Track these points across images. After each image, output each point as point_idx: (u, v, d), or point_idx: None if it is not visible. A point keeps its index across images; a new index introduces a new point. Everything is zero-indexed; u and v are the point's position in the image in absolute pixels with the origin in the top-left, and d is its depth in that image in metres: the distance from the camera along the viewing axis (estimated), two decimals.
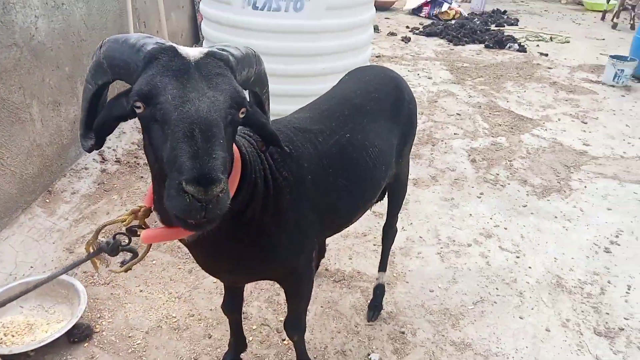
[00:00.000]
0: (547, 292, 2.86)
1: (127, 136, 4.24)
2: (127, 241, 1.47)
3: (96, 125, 1.26)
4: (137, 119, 1.19)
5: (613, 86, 6.28)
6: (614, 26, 9.54)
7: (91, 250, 1.48)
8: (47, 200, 3.29)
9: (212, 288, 2.74)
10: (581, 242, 3.31)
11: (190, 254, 1.64)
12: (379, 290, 2.59)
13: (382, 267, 2.59)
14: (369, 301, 2.68)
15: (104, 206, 3.36)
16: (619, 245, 3.30)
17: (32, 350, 2.22)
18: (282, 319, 2.53)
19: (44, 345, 2.22)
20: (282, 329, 2.47)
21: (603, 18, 10.14)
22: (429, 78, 6.33)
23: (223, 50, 1.18)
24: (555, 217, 3.58)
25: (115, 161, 3.87)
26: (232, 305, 2.06)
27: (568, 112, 5.47)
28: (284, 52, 3.61)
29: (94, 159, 3.81)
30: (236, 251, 1.53)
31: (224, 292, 2.08)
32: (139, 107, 1.11)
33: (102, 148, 3.94)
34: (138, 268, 2.84)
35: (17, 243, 2.90)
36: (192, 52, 1.14)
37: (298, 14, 3.55)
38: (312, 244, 1.76)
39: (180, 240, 1.54)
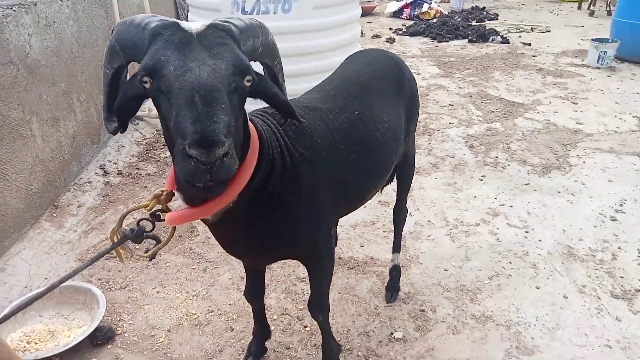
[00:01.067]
0: (560, 261, 2.89)
1: (126, 149, 4.25)
2: (151, 227, 1.49)
3: (116, 108, 1.28)
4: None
5: (598, 68, 6.42)
6: (591, 14, 9.77)
7: (115, 239, 1.49)
8: (54, 215, 3.28)
9: (229, 284, 2.74)
10: (587, 213, 3.35)
11: (213, 238, 1.66)
12: (395, 272, 2.60)
13: (396, 248, 2.60)
14: (385, 284, 2.69)
15: (111, 216, 3.35)
16: (624, 213, 3.35)
17: (56, 355, 2.20)
18: (302, 307, 2.55)
19: (68, 350, 2.21)
20: (303, 317, 2.48)
21: (579, 7, 10.39)
22: (418, 74, 6.42)
23: (225, 21, 1.21)
24: (559, 192, 3.63)
25: (118, 173, 3.87)
26: (255, 292, 2.07)
27: (558, 94, 5.56)
28: None
29: (96, 173, 3.81)
30: (258, 229, 1.54)
31: (246, 279, 2.08)
32: (146, 82, 1.13)
33: (104, 162, 3.96)
34: (152, 271, 2.84)
35: (29, 257, 2.89)
36: (195, 25, 1.17)
37: (286, 15, 3.62)
38: (330, 220, 1.78)
39: (204, 221, 1.56)
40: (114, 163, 4.01)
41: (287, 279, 2.76)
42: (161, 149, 4.29)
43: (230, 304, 2.59)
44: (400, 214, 2.59)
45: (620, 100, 5.36)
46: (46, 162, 3.25)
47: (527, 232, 3.18)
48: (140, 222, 1.49)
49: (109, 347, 2.32)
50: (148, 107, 4.61)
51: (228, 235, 1.61)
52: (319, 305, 1.96)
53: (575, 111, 5.10)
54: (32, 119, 3.09)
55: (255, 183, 1.39)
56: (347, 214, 2.07)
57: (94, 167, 3.88)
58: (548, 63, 6.73)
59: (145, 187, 3.72)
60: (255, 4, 3.45)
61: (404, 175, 2.43)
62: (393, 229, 2.65)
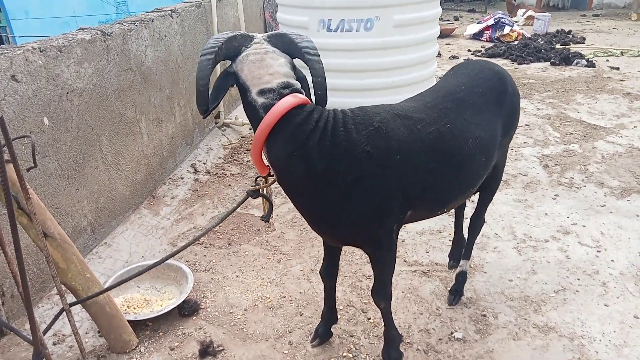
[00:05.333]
0: (633, 282, 2.83)
1: (214, 152, 4.69)
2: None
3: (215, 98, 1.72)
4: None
5: None
6: None
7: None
8: (152, 204, 3.72)
9: (300, 275, 2.97)
10: None
11: (287, 233, 1.90)
12: (461, 277, 2.70)
13: (466, 255, 2.70)
14: (448, 288, 2.79)
15: (199, 209, 3.74)
16: None
17: (150, 320, 2.54)
18: (366, 301, 2.72)
19: (160, 316, 2.54)
20: (367, 310, 2.65)
21: None
22: None
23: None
24: (637, 215, 3.52)
25: (206, 172, 4.28)
26: (329, 271, 2.28)
27: None
28: (357, 68, 3.93)
29: (188, 170, 4.25)
30: (322, 202, 1.80)
31: (323, 258, 2.30)
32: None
33: (195, 162, 4.40)
34: (233, 258, 3.15)
35: (130, 237, 3.31)
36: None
37: (368, 33, 3.87)
38: (395, 218, 1.92)
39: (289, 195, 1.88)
40: (203, 163, 4.44)
41: (353, 275, 2.95)
42: (244, 153, 4.68)
43: (300, 292, 2.82)
44: (477, 222, 2.67)
45: None
46: (149, 157, 3.72)
47: (599, 251, 3.13)
48: (257, 180, 1.95)
49: (194, 318, 2.62)
50: (235, 116, 5.05)
51: (302, 205, 1.89)
52: (381, 292, 2.12)
53: None
54: (141, 119, 3.56)
55: (281, 158, 1.72)
56: (428, 218, 2.20)
57: (186, 165, 4.34)
58: (637, 88, 6.44)
59: (229, 185, 4.09)
60: (340, 22, 3.74)
61: (489, 185, 2.47)
62: (467, 237, 2.74)
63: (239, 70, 1.72)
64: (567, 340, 2.44)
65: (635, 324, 2.53)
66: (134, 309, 2.63)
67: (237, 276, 2.98)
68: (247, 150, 4.74)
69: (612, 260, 3.03)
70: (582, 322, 2.55)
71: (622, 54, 8.36)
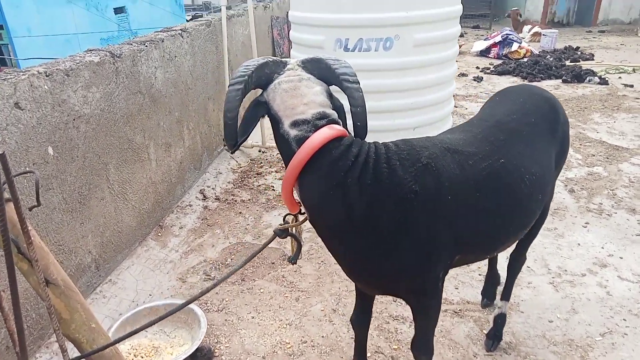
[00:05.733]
0: None
1: (223, 176, 4.48)
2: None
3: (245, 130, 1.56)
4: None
5: None
6: None
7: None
8: (159, 234, 3.51)
9: (321, 315, 2.74)
10: None
11: (305, 267, 1.70)
12: (500, 320, 2.47)
13: (506, 296, 2.48)
14: (484, 331, 2.57)
15: (209, 239, 3.52)
16: None
17: None
18: (395, 347, 2.49)
19: None
20: (397, 357, 2.42)
21: None
22: None
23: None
24: None
25: (215, 199, 4.08)
26: (362, 319, 2.06)
27: None
28: (375, 89, 3.74)
29: (196, 197, 4.05)
30: (361, 250, 1.59)
31: (355, 304, 2.08)
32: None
33: (203, 187, 4.20)
34: (247, 295, 2.92)
35: (136, 272, 3.09)
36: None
37: (387, 53, 3.70)
38: (443, 264, 1.72)
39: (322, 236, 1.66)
40: (212, 188, 4.24)
41: (379, 315, 2.72)
42: (254, 177, 4.48)
43: (323, 337, 2.59)
44: (518, 261, 2.46)
45: None
46: (157, 184, 3.51)
47: None
48: (286, 218, 1.72)
49: None
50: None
51: (337, 250, 1.68)
52: (423, 346, 1.90)
53: None
54: (150, 144, 3.37)
55: (318, 200, 1.53)
56: (475, 262, 2.01)
57: (194, 191, 4.13)
58: None
59: (240, 213, 3.88)
60: (357, 42, 3.57)
61: (536, 222, 2.22)
62: (506, 276, 2.53)
63: (271, 99, 1.55)
64: None
65: None
66: (142, 357, 2.40)
67: (252, 317, 2.75)
68: (257, 174, 4.55)
69: None
70: None
71: (634, 70, 8.23)
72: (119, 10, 9.37)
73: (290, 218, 1.75)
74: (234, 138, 1.54)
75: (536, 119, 1.94)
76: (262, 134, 4.95)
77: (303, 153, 1.47)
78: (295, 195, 1.63)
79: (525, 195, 1.78)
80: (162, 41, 3.47)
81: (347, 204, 1.50)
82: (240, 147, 4.97)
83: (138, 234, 3.30)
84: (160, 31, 3.86)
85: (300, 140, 1.49)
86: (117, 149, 2.99)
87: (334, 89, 1.63)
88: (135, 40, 3.36)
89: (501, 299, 2.50)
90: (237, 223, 3.75)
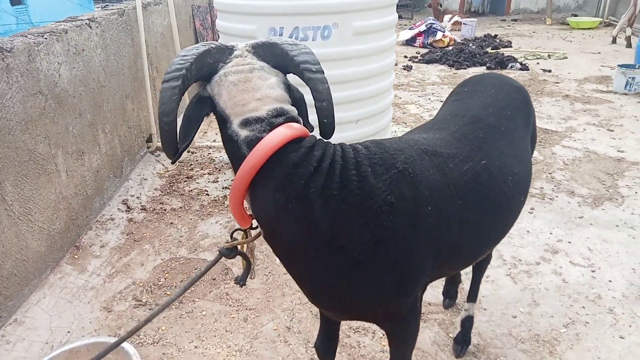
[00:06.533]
0: (639, 306, 2.61)
1: (149, 182, 4.01)
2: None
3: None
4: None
5: (626, 94, 6.26)
6: (614, 41, 9.65)
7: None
8: (76, 257, 3.02)
9: (274, 336, 2.45)
10: None
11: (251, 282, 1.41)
12: (468, 323, 2.31)
13: (472, 297, 2.32)
14: (450, 334, 2.41)
15: (137, 257, 3.09)
16: None
17: None
18: None
19: None
20: None
21: (614, 41, 9.89)
22: (441, 101, 6.22)
23: None
24: (617, 225, 3.37)
25: (141, 209, 3.62)
26: (328, 345, 1.79)
27: (591, 122, 5.37)
28: None
29: (118, 209, 3.56)
30: (324, 275, 1.32)
31: (319, 329, 1.80)
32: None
33: (126, 197, 3.72)
34: (187, 321, 2.56)
35: (49, 306, 2.61)
36: None
37: (326, 42, 3.43)
38: (422, 284, 1.48)
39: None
40: (137, 197, 3.77)
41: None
42: (185, 181, 4.06)
43: None
44: (485, 260, 2.30)
45: None
46: (69, 199, 3.01)
47: (593, 271, 2.90)
48: (233, 234, 1.46)
49: None
50: None
51: (298, 273, 1.41)
52: None
53: (613, 138, 4.89)
54: (57, 153, 2.86)
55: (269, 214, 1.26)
56: (446, 276, 1.79)
57: (116, 202, 3.64)
58: (573, 89, 6.58)
59: (172, 223, 3.47)
60: (293, 31, 3.27)
61: None
62: (472, 276, 2.36)
63: (216, 94, 1.24)
64: None
65: None
66: None
67: (195, 347, 2.39)
68: (187, 177, 4.12)
69: (610, 281, 2.81)
70: None
71: (549, 56, 8.64)
72: (16, 1, 8.35)
73: (239, 234, 1.45)
74: (174, 146, 1.23)
75: (512, 113, 1.76)
76: None
77: (255, 157, 1.18)
78: (247, 207, 1.32)
79: (508, 199, 1.59)
80: (66, 32, 2.95)
81: (309, 219, 1.22)
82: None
83: (49, 259, 2.80)
84: (63, 21, 3.31)
85: (252, 143, 1.20)
86: (14, 162, 2.47)
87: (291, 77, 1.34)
88: (32, 31, 2.82)
89: (467, 301, 2.34)
90: (169, 235, 3.33)
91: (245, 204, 1.31)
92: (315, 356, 1.91)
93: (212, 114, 1.29)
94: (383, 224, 1.26)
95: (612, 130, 5.10)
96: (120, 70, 3.77)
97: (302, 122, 1.31)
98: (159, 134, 1.22)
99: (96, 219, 3.40)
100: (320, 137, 1.33)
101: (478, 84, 1.92)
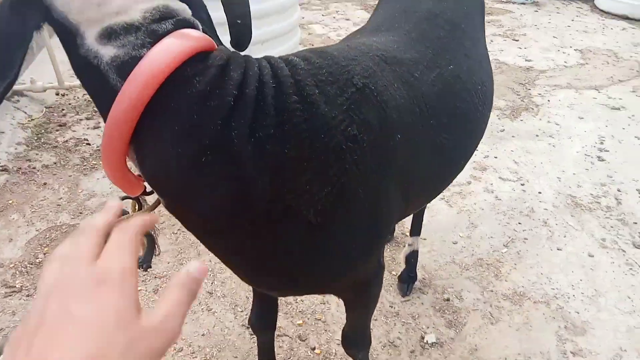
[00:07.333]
0: (569, 214, 2.58)
1: (8, 137, 3.20)
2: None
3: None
4: None
5: (523, 4, 6.30)
6: None
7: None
8: None
9: (194, 305, 2.04)
10: (573, 156, 3.09)
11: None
12: (413, 259, 2.08)
13: (416, 230, 2.07)
14: (392, 272, 2.18)
15: (3, 231, 2.43)
16: (607, 151, 3.14)
17: None
18: (300, 322, 1.95)
19: None
20: (306, 336, 1.89)
21: None
22: (347, 19, 5.82)
23: None
24: (536, 135, 3.33)
25: (3, 170, 2.87)
26: (265, 319, 1.43)
27: (496, 32, 5.30)
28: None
29: None
30: (275, 251, 0.91)
31: (253, 300, 1.43)
32: None
33: None
34: None
35: None
36: None
37: None
38: (387, 237, 1.14)
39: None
40: None
41: None
42: (57, 131, 3.30)
43: (203, 335, 1.92)
44: None
45: (556, 34, 5.24)
46: None
47: (522, 184, 2.83)
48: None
49: None
50: (30, 78, 3.53)
51: (225, 250, 0.96)
52: (361, 341, 1.37)
53: (520, 48, 4.87)
54: None
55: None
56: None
57: None
58: None
59: (45, 184, 2.79)
60: None
61: None
62: None
63: None
64: (544, 306, 2.05)
65: (594, 265, 2.26)
66: None
67: None
68: (59, 126, 3.36)
69: (540, 193, 2.75)
70: (547, 277, 2.19)
71: None
72: None
73: (131, 204, 0.96)
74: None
75: (469, 7, 1.39)
76: (55, 69, 3.61)
77: (135, 90, 0.68)
78: (134, 168, 0.84)
79: (481, 114, 1.26)
80: None
81: (236, 177, 0.77)
82: (27, 93, 3.65)
83: None
84: None
85: (125, 66, 0.69)
86: None
87: None
88: None
89: (411, 235, 2.10)
90: (44, 199, 2.68)
91: (130, 163, 0.82)
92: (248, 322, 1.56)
93: (45, 28, 0.74)
94: (346, 167, 0.85)
95: (518, 40, 5.07)
96: None
97: (201, 27, 0.81)
98: None
99: None
100: (234, 50, 0.86)
101: None
